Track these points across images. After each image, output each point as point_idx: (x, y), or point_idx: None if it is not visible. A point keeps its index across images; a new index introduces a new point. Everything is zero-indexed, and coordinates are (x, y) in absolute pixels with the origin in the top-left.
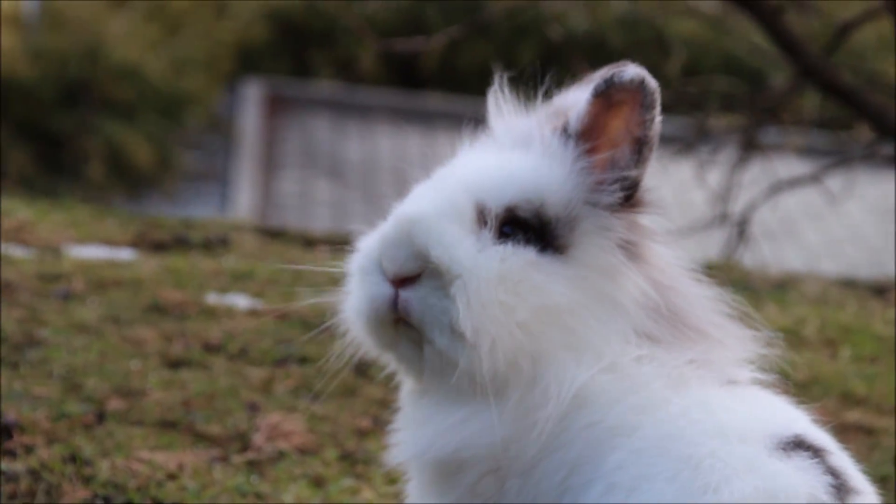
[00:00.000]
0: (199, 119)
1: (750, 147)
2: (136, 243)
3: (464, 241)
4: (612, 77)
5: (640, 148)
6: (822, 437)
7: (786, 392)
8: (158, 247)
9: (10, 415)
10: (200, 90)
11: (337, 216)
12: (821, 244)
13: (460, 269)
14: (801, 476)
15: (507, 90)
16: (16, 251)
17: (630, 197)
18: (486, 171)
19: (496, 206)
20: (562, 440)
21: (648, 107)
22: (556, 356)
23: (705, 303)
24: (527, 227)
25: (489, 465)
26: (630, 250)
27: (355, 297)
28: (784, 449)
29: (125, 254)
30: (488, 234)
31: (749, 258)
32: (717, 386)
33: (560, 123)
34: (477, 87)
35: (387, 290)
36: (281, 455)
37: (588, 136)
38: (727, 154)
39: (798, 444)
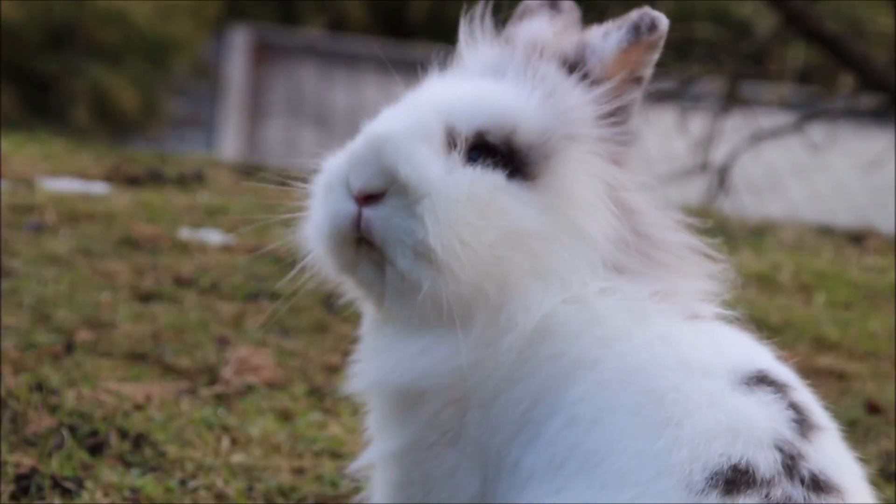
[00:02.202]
0: (185, 65)
1: (732, 97)
2: (110, 177)
3: (433, 162)
4: (653, 23)
5: (638, 86)
6: (785, 372)
7: (757, 334)
8: (132, 181)
9: None
10: (187, 36)
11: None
12: (804, 198)
13: (429, 188)
14: (764, 410)
15: (479, 19)
16: None
17: (619, 134)
18: (457, 95)
19: (466, 129)
20: (524, 371)
21: (657, 49)
22: (522, 282)
23: (675, 240)
24: (496, 152)
25: (450, 395)
26: (608, 184)
27: (317, 214)
28: (747, 384)
29: (99, 187)
30: (457, 157)
31: (730, 207)
32: (680, 320)
33: (554, 55)
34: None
35: (350, 207)
36: (249, 389)
37: (603, 75)
38: (710, 103)
39: (761, 380)
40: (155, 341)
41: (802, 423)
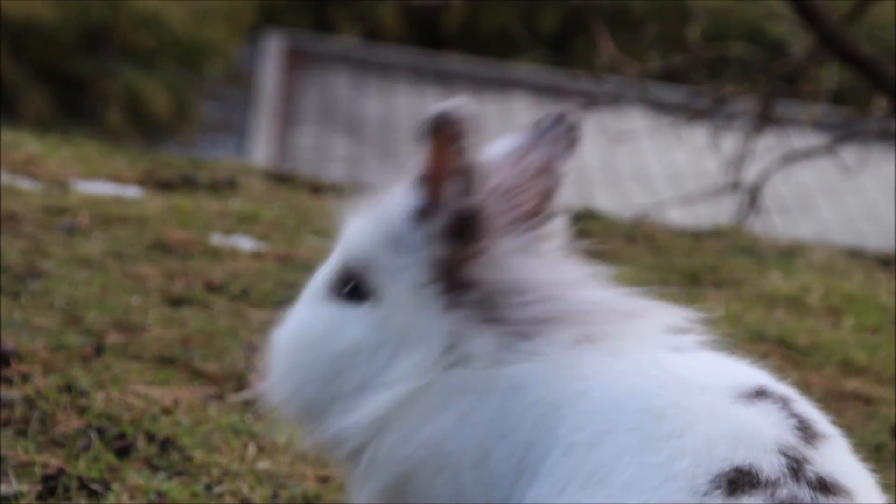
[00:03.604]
0: (219, 70)
1: (765, 117)
2: (143, 181)
3: (298, 308)
4: (428, 119)
5: (467, 177)
6: (784, 388)
7: (781, 356)
8: (165, 186)
9: (9, 343)
10: (221, 41)
11: (352, 172)
12: (835, 220)
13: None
14: (766, 419)
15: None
16: (23, 183)
17: (469, 224)
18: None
19: (338, 268)
20: (504, 426)
21: (459, 136)
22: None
23: (602, 294)
24: (350, 282)
25: (434, 463)
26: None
27: None
28: (747, 397)
29: (132, 191)
30: (335, 298)
31: (760, 227)
32: (662, 351)
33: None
34: (497, 49)
35: None
36: None
37: (426, 180)
38: (742, 122)
39: (760, 393)
40: (184, 346)
41: (806, 431)
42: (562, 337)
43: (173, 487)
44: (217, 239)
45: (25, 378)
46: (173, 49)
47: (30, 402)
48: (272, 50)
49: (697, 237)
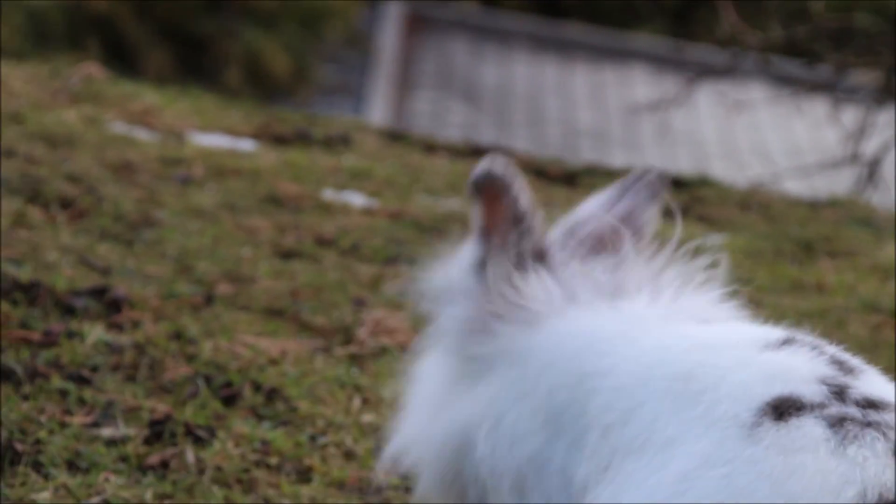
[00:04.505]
0: (339, 33)
1: (888, 90)
2: (258, 135)
3: None
4: (472, 180)
5: (518, 224)
6: (813, 337)
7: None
8: (280, 140)
9: (121, 290)
10: (342, 5)
11: (468, 139)
12: None
13: None
14: (799, 358)
15: None
16: (140, 133)
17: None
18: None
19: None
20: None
21: (505, 191)
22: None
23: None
24: None
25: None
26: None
27: None
28: (775, 346)
29: (246, 144)
30: None
31: (878, 200)
32: (689, 323)
33: None
34: (618, 19)
35: None
36: (383, 350)
37: (485, 232)
38: (864, 95)
39: (789, 342)
40: (293, 298)
41: (842, 365)
42: (593, 309)
43: (278, 437)
44: (329, 194)
45: (136, 325)
46: (294, 11)
47: (139, 349)
48: (392, 15)
49: (813, 207)
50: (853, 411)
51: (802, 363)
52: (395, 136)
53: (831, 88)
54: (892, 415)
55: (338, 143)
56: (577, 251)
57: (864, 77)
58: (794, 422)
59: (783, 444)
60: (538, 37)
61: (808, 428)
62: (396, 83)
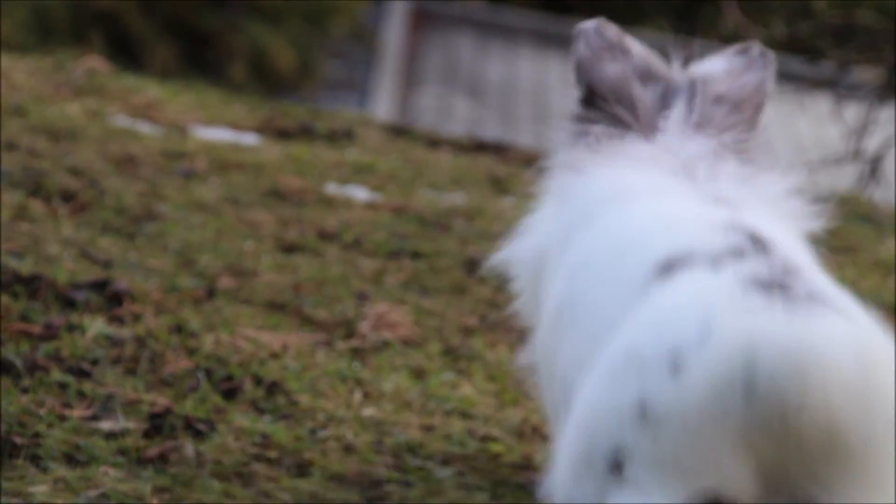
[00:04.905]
0: (344, 29)
1: (890, 87)
2: (261, 129)
3: None
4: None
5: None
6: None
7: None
8: (283, 134)
9: (123, 283)
10: (347, 1)
11: (472, 133)
12: None
13: None
14: (715, 229)
15: None
16: (143, 127)
17: None
18: None
19: None
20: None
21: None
22: None
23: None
24: None
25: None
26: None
27: None
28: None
29: (250, 138)
30: None
31: (880, 197)
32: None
33: None
34: (622, 16)
35: None
36: (385, 345)
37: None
38: (867, 92)
39: (733, 224)
40: (295, 292)
41: (756, 240)
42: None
43: (278, 430)
44: (332, 188)
45: (137, 318)
46: (299, 6)
47: (140, 342)
48: (397, 10)
49: (815, 203)
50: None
51: (702, 222)
52: (399, 131)
53: (834, 85)
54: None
55: (341, 137)
56: (708, 111)
57: (867, 74)
58: (683, 274)
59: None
60: (543, 33)
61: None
62: (401, 79)
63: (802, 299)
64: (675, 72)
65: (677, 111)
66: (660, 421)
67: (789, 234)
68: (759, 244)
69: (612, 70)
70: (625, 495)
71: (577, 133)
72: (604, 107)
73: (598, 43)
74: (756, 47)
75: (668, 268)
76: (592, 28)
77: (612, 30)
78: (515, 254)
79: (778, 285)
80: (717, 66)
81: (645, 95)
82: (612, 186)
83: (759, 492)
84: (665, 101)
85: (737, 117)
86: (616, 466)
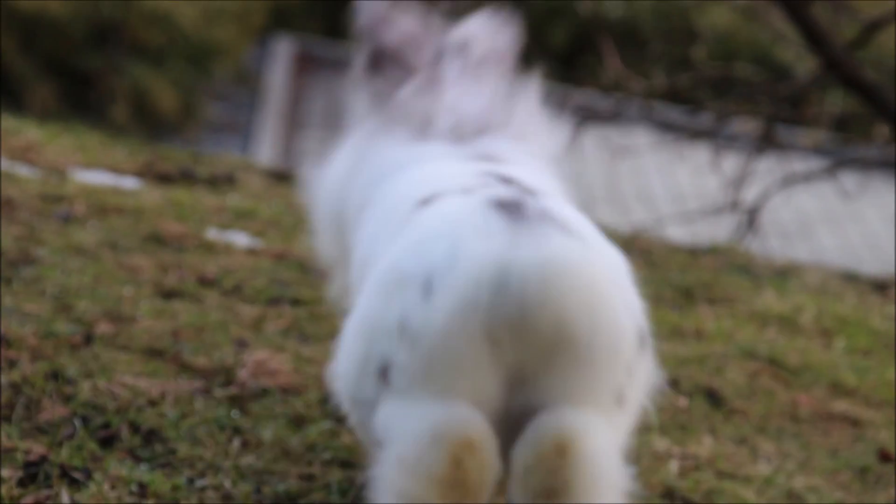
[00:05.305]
0: (227, 71)
1: (767, 139)
2: (142, 173)
3: None
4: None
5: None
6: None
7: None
8: (164, 178)
9: None
10: (231, 42)
11: None
12: (833, 245)
13: None
14: (471, 171)
15: None
16: (21, 170)
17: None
18: None
19: None
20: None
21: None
22: None
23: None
24: None
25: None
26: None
27: None
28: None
29: (130, 182)
30: None
31: (757, 248)
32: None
33: None
34: None
35: None
36: (264, 392)
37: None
38: (744, 143)
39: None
40: (174, 338)
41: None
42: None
43: (155, 479)
44: (213, 233)
45: (13, 364)
46: (182, 48)
47: (16, 388)
48: (281, 53)
49: (693, 254)
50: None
51: (468, 174)
52: (281, 176)
53: (713, 136)
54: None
55: (222, 182)
56: (476, 68)
57: (745, 125)
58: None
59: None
60: None
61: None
62: (284, 122)
63: (537, 216)
64: (443, 35)
65: (450, 69)
66: (415, 338)
67: (545, 177)
68: (506, 180)
69: (391, 36)
70: (391, 403)
71: (368, 95)
72: (387, 69)
73: (377, 13)
74: (503, 11)
75: (427, 201)
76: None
77: (385, 2)
78: (317, 199)
79: (516, 204)
80: (476, 29)
81: (421, 57)
82: (398, 155)
83: (505, 397)
84: (438, 61)
85: (498, 70)
86: (384, 374)
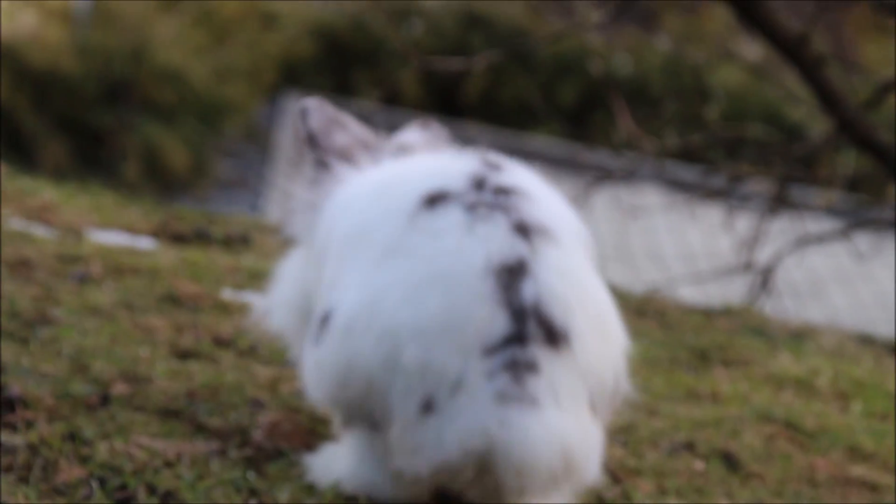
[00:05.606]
0: (238, 128)
1: (780, 199)
2: (157, 233)
3: None
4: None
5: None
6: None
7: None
8: (179, 238)
9: (15, 389)
10: (241, 99)
11: None
12: (846, 306)
13: None
14: (461, 162)
15: None
16: (38, 230)
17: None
18: None
19: None
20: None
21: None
22: None
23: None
24: None
25: None
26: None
27: None
28: (455, 160)
29: (145, 242)
30: None
31: (771, 309)
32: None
33: None
34: (517, 120)
35: None
36: (280, 454)
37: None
38: (757, 204)
39: (468, 158)
40: (190, 399)
41: (491, 164)
42: (345, 171)
43: None
44: (228, 294)
45: (30, 424)
46: (193, 105)
47: (33, 449)
48: (292, 110)
49: (708, 315)
50: (486, 197)
51: (458, 164)
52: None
53: (725, 196)
54: (519, 197)
55: (237, 242)
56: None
57: (758, 186)
58: (440, 209)
59: (432, 229)
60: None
61: (450, 213)
62: (295, 178)
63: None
64: (383, 141)
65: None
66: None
67: None
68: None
69: (340, 140)
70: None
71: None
72: (332, 168)
73: (325, 117)
74: (435, 123)
75: (430, 201)
76: (316, 105)
77: (330, 106)
78: (274, 302)
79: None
80: (414, 137)
81: (364, 159)
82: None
83: None
84: (378, 160)
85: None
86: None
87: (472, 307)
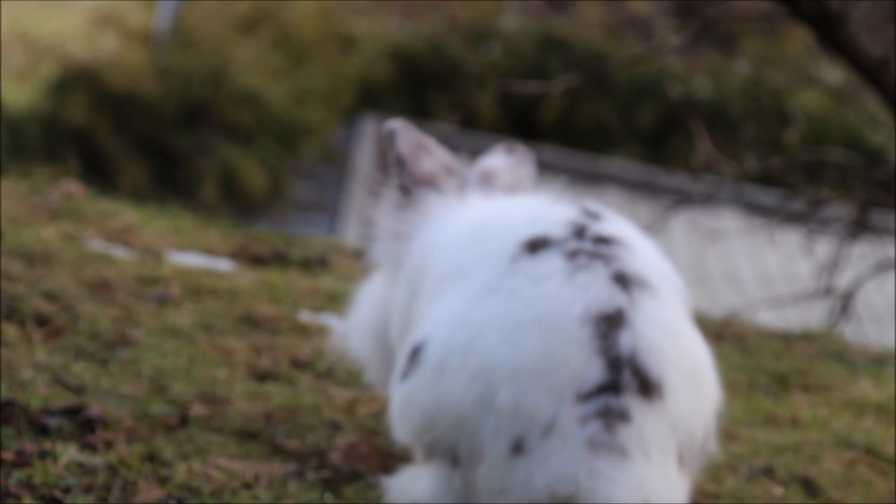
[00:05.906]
0: (315, 150)
1: (861, 224)
2: (235, 255)
3: None
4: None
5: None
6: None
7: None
8: (257, 260)
9: (95, 410)
10: (319, 122)
11: None
12: None
13: None
14: (560, 209)
15: None
16: (118, 252)
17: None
18: None
19: None
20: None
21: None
22: None
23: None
24: None
25: None
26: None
27: None
28: (552, 204)
29: (224, 264)
30: None
31: (851, 334)
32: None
33: None
34: (594, 143)
35: None
36: (356, 476)
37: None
38: (837, 228)
39: (564, 204)
40: (267, 421)
41: (590, 212)
42: (430, 198)
43: None
44: (306, 316)
45: (109, 445)
46: (271, 128)
47: (112, 470)
48: (369, 133)
49: (787, 340)
50: (587, 245)
51: (558, 210)
52: None
53: (805, 220)
54: (619, 248)
55: (315, 264)
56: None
57: (838, 210)
58: (542, 255)
59: (533, 273)
60: None
61: (551, 260)
62: (372, 200)
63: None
64: (466, 167)
65: (475, 196)
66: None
67: None
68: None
69: (427, 165)
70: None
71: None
72: (416, 194)
73: (413, 141)
74: (521, 147)
75: (532, 247)
76: (403, 128)
77: (416, 130)
78: (353, 326)
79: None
80: (498, 162)
81: (449, 185)
82: (447, 218)
83: None
84: (462, 191)
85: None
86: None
87: (569, 352)
